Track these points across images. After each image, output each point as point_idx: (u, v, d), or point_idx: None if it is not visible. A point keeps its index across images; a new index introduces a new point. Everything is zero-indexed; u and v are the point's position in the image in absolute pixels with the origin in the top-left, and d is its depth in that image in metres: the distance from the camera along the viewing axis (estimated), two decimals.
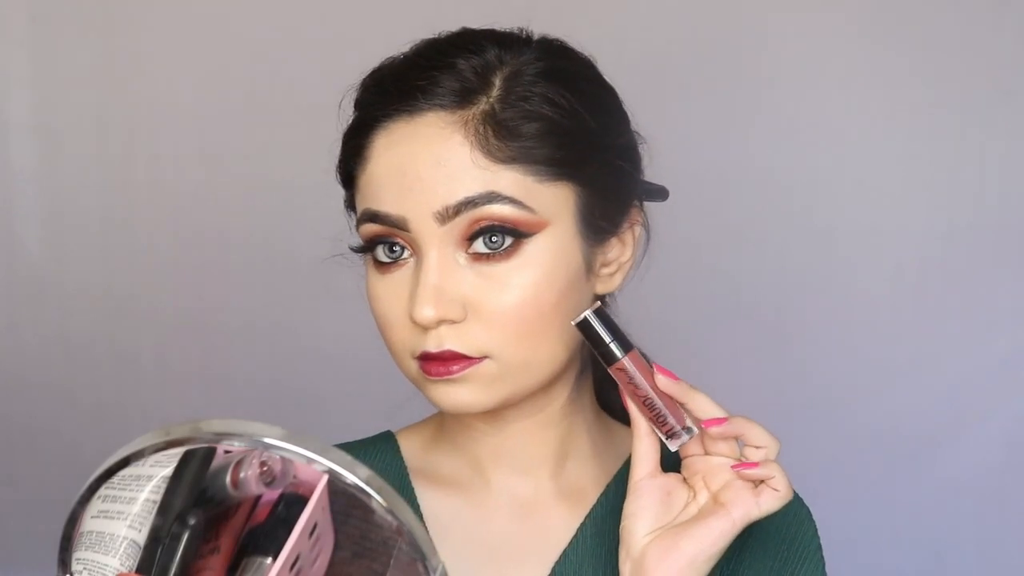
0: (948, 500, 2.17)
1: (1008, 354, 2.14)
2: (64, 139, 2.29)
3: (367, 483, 0.82)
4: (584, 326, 1.02)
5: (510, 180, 1.02)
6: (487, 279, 1.03)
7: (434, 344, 1.03)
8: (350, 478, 0.82)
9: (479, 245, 1.03)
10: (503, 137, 1.03)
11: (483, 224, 1.02)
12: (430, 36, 1.10)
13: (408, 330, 1.04)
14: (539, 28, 1.10)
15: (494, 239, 1.03)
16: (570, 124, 1.05)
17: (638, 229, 1.11)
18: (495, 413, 1.09)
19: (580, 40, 1.11)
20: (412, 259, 1.05)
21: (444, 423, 1.15)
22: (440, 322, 1.02)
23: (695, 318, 2.16)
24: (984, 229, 2.13)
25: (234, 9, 2.23)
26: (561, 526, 1.13)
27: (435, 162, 1.02)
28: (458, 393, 1.05)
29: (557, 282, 1.04)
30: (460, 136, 1.03)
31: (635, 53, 2.06)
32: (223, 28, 2.23)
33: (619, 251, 1.10)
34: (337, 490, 0.82)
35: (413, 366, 1.05)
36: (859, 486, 2.17)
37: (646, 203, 1.13)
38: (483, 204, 1.02)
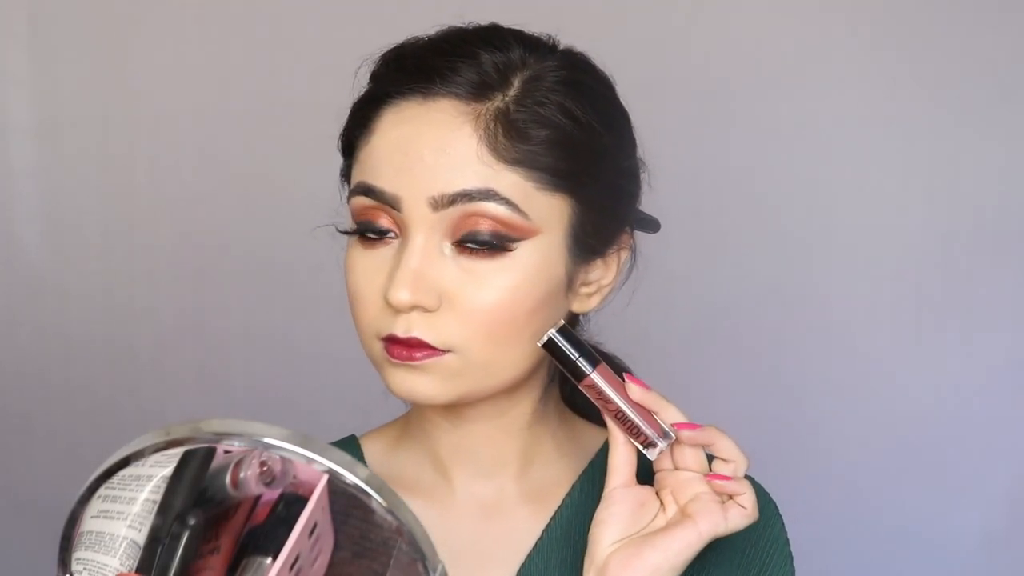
0: (950, 502, 2.17)
1: (1009, 356, 2.14)
2: (64, 139, 2.29)
3: (367, 483, 0.82)
4: (550, 346, 1.02)
5: (510, 182, 1.02)
6: (468, 274, 1.02)
7: (402, 329, 1.02)
8: (350, 478, 0.82)
9: (467, 239, 1.02)
10: (512, 138, 1.02)
11: (475, 219, 1.01)
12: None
13: (379, 309, 1.04)
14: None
15: (483, 236, 1.02)
16: (579, 138, 1.04)
17: (624, 254, 1.10)
18: (454, 410, 1.09)
19: (565, 41, 1.10)
20: (397, 240, 1.04)
21: (409, 423, 1.14)
22: (413, 308, 1.02)
23: (693, 323, 2.16)
24: (984, 231, 2.13)
25: (234, 10, 2.23)
26: (526, 529, 1.12)
27: (440, 148, 1.02)
28: (416, 381, 1.04)
29: (536, 291, 1.04)
30: (470, 128, 1.02)
31: (627, 57, 2.05)
32: (223, 29, 2.23)
33: (602, 272, 1.09)
34: (337, 490, 0.82)
35: (377, 346, 1.05)
36: (859, 488, 2.17)
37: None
38: (479, 200, 1.01)
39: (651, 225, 1.13)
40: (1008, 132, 2.12)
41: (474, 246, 1.02)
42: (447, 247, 1.02)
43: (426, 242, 1.02)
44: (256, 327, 2.25)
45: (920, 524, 2.16)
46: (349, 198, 1.06)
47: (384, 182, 1.03)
